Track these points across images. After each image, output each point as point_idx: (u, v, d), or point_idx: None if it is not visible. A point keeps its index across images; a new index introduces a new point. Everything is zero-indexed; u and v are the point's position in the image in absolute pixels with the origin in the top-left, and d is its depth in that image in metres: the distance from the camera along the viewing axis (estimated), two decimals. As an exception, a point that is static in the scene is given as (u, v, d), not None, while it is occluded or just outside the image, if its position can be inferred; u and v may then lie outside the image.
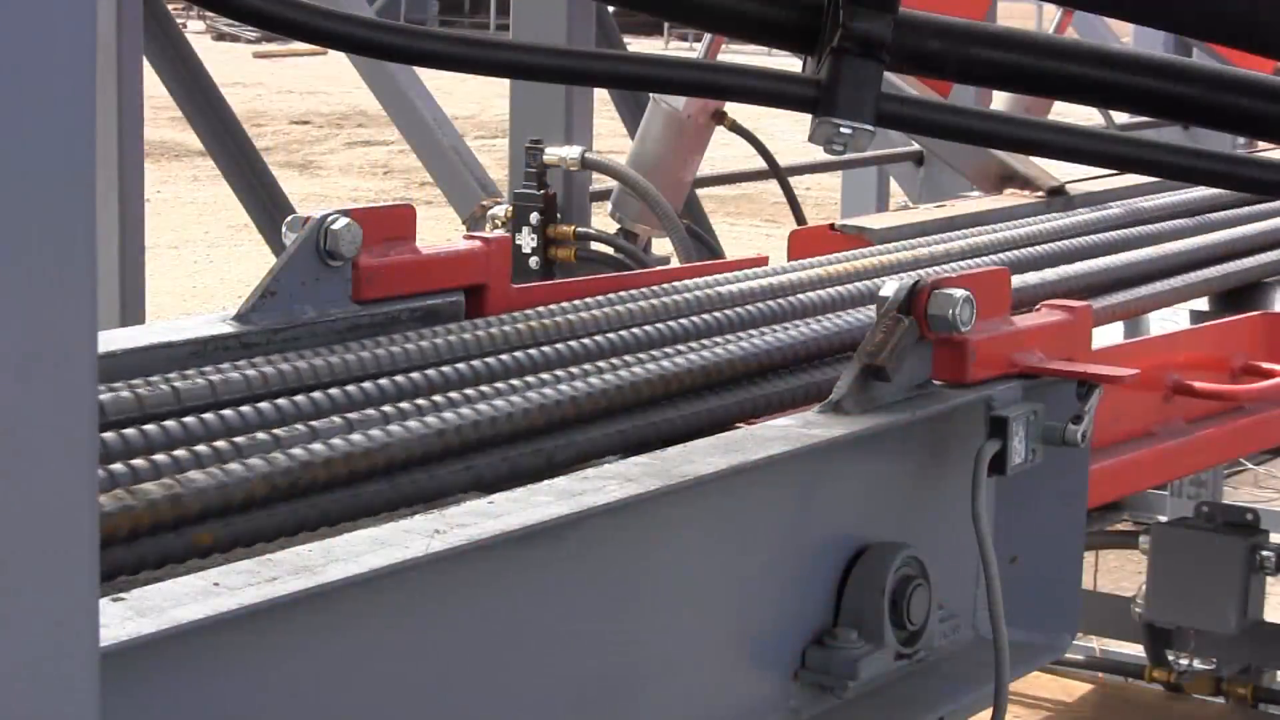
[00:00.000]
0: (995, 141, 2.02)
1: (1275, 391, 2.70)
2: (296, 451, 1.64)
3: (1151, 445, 2.55)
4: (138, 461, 1.60)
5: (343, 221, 2.20)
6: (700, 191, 6.22)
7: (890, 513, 1.89)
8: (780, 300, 2.46)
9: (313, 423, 1.76)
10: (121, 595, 1.23)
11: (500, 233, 2.46)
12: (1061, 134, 1.93)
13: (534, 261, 5.02)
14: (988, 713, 1.92)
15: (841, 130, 1.82)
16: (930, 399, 1.94)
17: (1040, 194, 3.90)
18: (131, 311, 5.36)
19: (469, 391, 1.92)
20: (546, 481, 1.57)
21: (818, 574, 1.80)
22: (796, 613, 1.78)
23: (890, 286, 1.95)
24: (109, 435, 1.67)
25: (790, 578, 1.76)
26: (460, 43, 1.77)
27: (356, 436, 1.70)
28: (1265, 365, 2.76)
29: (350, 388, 1.94)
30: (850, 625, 1.80)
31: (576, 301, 2.40)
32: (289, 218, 2.26)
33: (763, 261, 2.89)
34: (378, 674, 1.37)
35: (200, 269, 14.70)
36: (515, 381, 1.96)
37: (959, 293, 1.93)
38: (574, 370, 2.03)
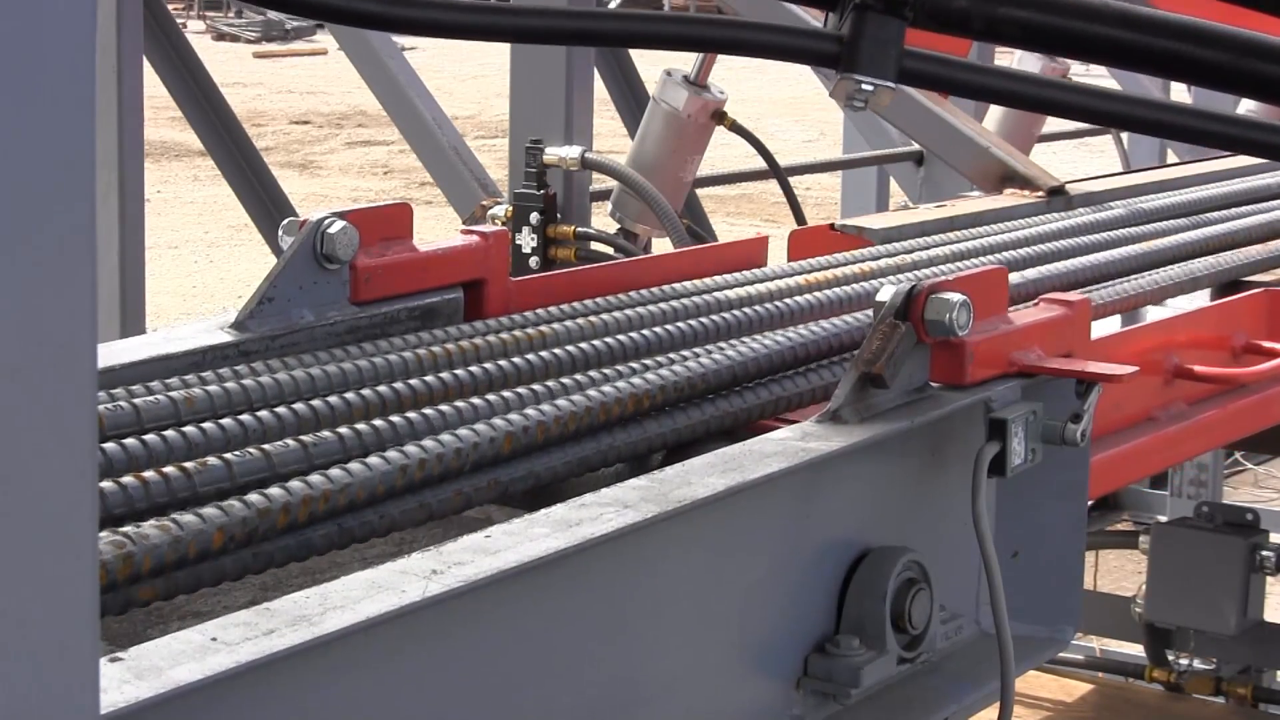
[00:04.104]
0: (1016, 101, 2.00)
1: (1277, 372, 2.67)
2: (334, 473, 1.62)
3: (1153, 431, 2.52)
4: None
5: (339, 224, 2.20)
6: (700, 191, 6.21)
7: (890, 517, 1.88)
8: (783, 301, 2.46)
9: (342, 430, 1.75)
10: (119, 655, 1.21)
11: (498, 227, 2.45)
12: (1081, 95, 1.92)
13: (534, 261, 5.02)
14: (991, 712, 1.92)
15: (863, 87, 1.80)
16: (929, 403, 1.93)
17: (1040, 194, 3.90)
18: (132, 311, 5.35)
19: (465, 404, 1.91)
20: (544, 511, 1.54)
21: (819, 581, 1.79)
22: (798, 621, 1.77)
23: (886, 291, 1.93)
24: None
25: (791, 587, 1.75)
26: (470, 10, 1.75)
27: (392, 453, 1.68)
28: (1267, 345, 2.73)
29: (366, 391, 1.94)
30: (852, 632, 1.79)
31: (576, 304, 2.39)
32: (285, 221, 2.26)
33: (761, 243, 2.88)
34: (377, 718, 1.35)
35: (200, 269, 14.70)
36: (509, 394, 1.94)
37: (955, 296, 1.92)
38: (579, 379, 2.02)
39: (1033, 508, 2.06)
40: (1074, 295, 2.21)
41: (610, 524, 1.52)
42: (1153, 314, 3.13)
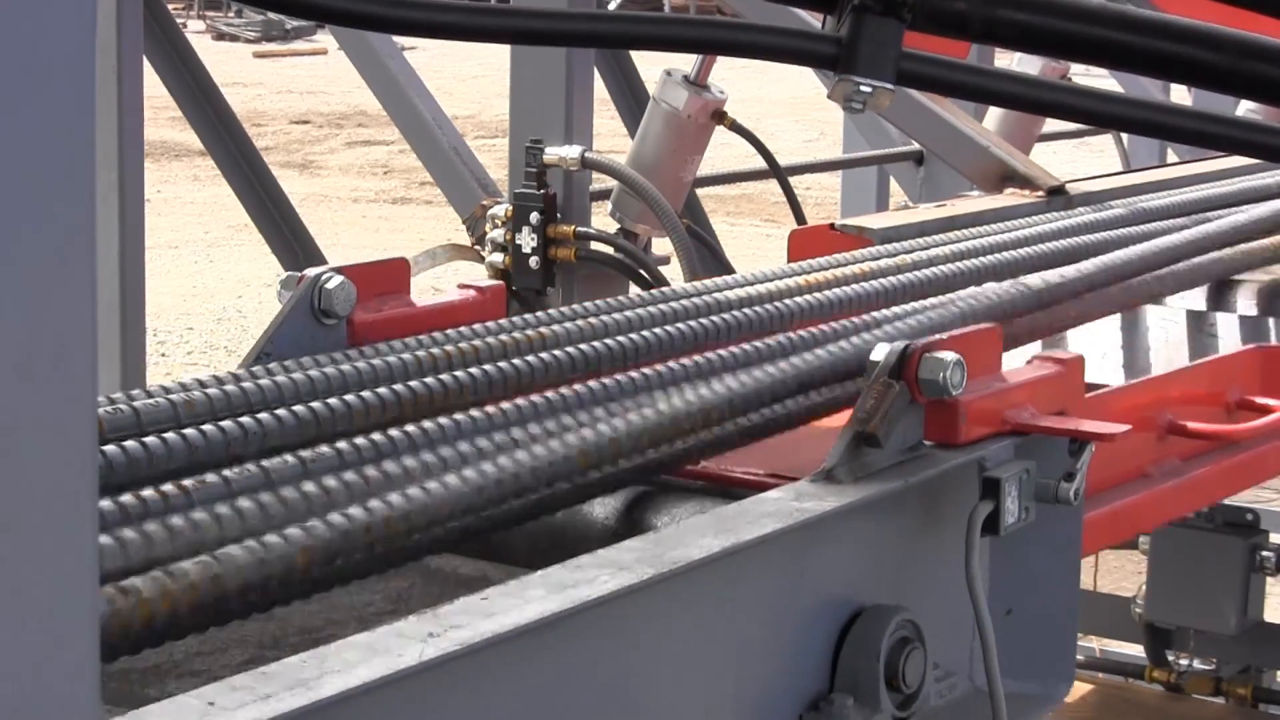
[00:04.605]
0: (1015, 103, 2.00)
1: (1269, 429, 2.65)
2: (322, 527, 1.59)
3: (1147, 488, 2.51)
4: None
5: (336, 280, 2.21)
6: (700, 191, 6.22)
7: (884, 575, 1.88)
8: (784, 302, 2.45)
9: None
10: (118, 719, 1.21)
11: (494, 282, 2.44)
12: (1080, 97, 1.92)
13: (534, 261, 5.02)
14: None
15: (861, 89, 1.80)
16: (922, 462, 1.92)
17: (1040, 194, 3.90)
18: (132, 311, 5.35)
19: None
20: (540, 572, 1.55)
21: (813, 640, 1.79)
22: (792, 680, 1.77)
23: (880, 350, 1.93)
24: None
25: (785, 646, 1.76)
26: (470, 11, 1.75)
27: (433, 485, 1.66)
28: (1260, 400, 2.72)
29: (366, 394, 1.93)
30: (846, 691, 1.78)
31: (577, 306, 2.38)
32: (283, 276, 2.26)
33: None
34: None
35: (200, 269, 14.70)
36: (508, 407, 1.89)
37: (949, 356, 1.91)
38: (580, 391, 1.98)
39: (1026, 565, 2.06)
40: (1067, 354, 2.18)
41: (606, 586, 1.53)
42: (1154, 363, 3.11)
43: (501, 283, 2.48)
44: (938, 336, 1.98)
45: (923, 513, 1.92)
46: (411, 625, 1.41)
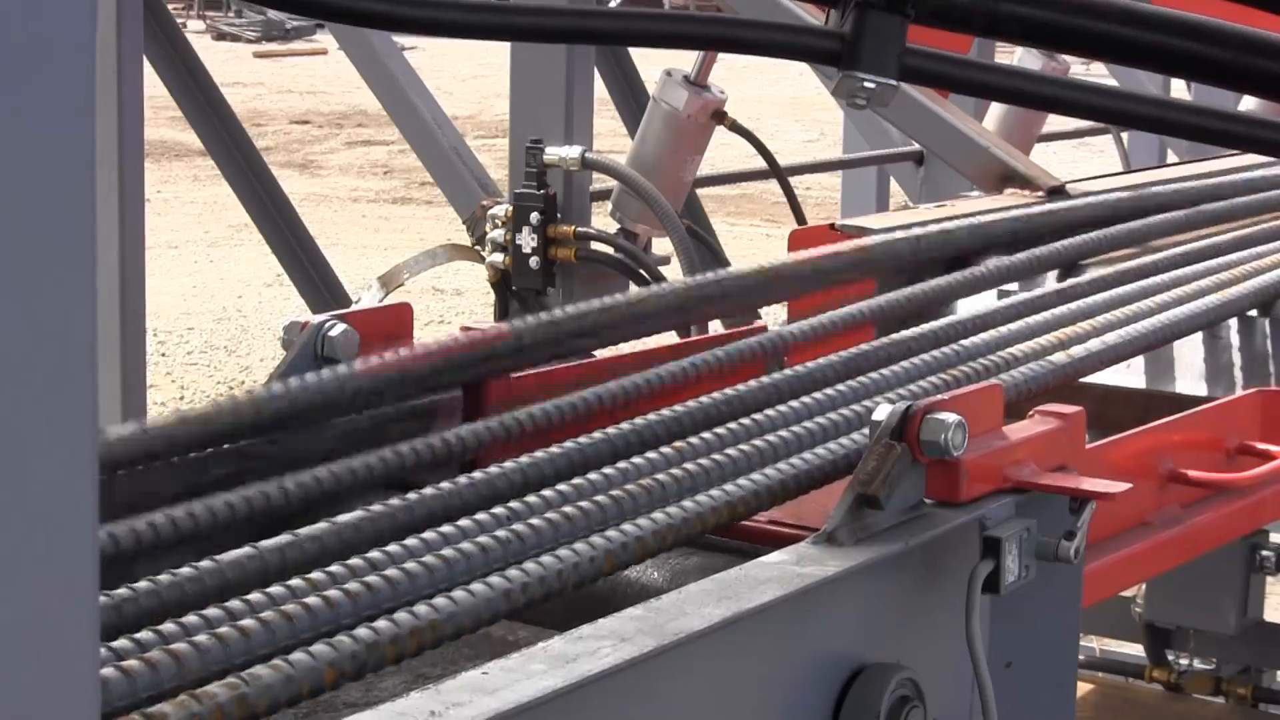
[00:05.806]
0: (1019, 98, 2.00)
1: (1270, 476, 2.63)
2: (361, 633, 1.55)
3: (1146, 537, 2.50)
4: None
5: (340, 328, 2.20)
6: (700, 191, 6.22)
7: (884, 634, 1.88)
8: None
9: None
10: None
11: (497, 325, 2.42)
12: (1084, 92, 1.91)
13: (534, 261, 5.03)
14: None
15: (865, 85, 1.80)
16: (923, 522, 1.92)
17: (1040, 194, 3.90)
18: (131, 311, 5.36)
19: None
20: (541, 645, 1.55)
21: (812, 699, 1.79)
22: (791, 741, 1.77)
23: (882, 411, 1.93)
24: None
25: (785, 707, 1.75)
26: (470, 9, 1.75)
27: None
28: (1261, 446, 2.69)
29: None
30: None
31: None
32: (286, 322, 2.25)
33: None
34: None
35: (200, 269, 14.71)
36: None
37: (951, 417, 1.91)
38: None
39: (1027, 620, 2.06)
40: (1068, 408, 2.18)
41: (607, 659, 1.52)
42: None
43: (504, 325, 2.44)
44: (939, 396, 1.98)
45: (923, 572, 1.91)
46: (414, 703, 1.40)
